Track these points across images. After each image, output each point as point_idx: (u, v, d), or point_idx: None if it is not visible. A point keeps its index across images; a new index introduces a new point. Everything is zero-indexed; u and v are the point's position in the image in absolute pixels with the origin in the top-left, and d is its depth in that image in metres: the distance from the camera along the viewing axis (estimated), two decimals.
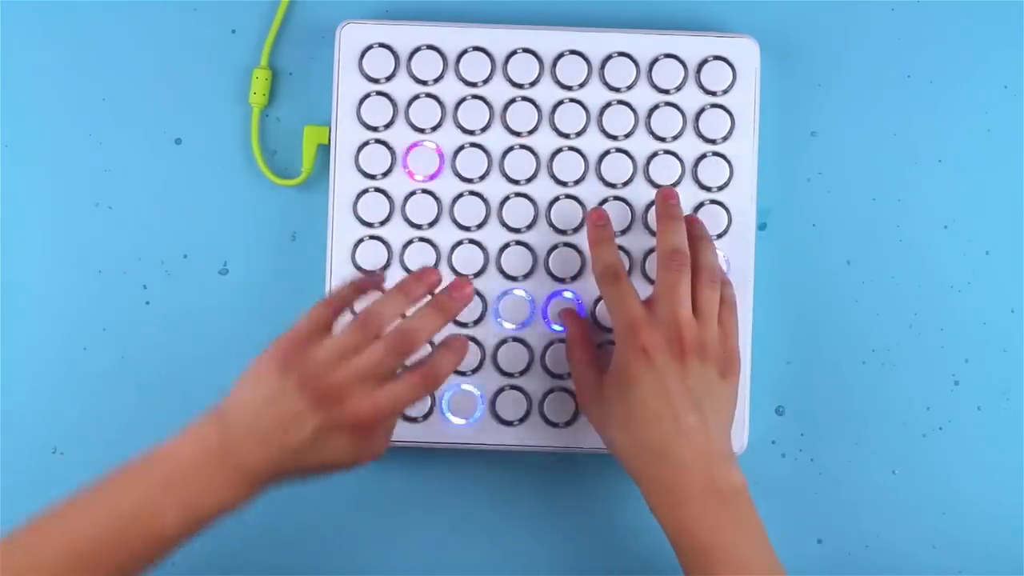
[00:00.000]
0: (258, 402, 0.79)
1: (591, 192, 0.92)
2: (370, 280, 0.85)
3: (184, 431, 0.79)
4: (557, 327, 0.91)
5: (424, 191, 0.92)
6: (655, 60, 0.92)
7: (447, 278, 0.90)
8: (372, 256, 0.91)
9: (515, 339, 0.91)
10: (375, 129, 0.92)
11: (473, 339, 0.91)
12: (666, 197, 0.87)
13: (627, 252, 0.91)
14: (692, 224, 0.88)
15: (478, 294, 0.91)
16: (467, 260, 0.91)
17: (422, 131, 0.92)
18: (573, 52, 0.92)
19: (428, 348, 0.84)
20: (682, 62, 0.92)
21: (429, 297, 0.82)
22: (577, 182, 0.92)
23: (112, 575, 0.77)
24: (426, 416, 0.91)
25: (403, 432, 0.90)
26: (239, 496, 0.79)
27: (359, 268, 0.91)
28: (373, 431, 0.80)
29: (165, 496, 0.78)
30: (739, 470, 0.82)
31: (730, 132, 0.92)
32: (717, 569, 0.80)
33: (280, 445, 0.78)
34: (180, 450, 0.79)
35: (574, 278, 0.91)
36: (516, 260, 0.91)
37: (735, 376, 0.85)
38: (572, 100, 0.92)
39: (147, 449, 0.79)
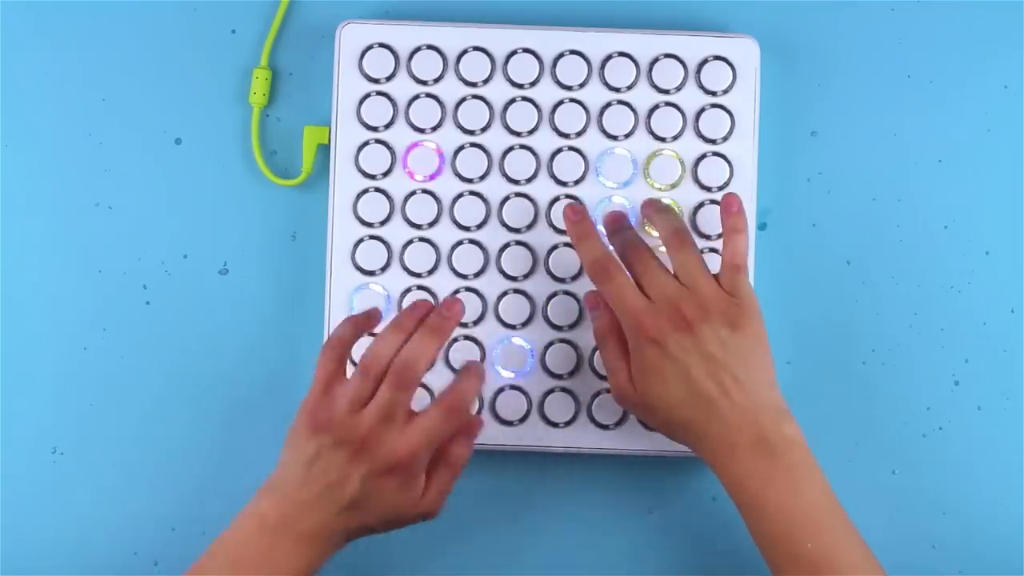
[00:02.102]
0: (301, 469, 0.80)
1: (591, 192, 0.92)
2: (366, 316, 0.85)
3: (238, 517, 0.81)
4: (556, 325, 0.91)
5: (424, 191, 0.92)
6: (655, 60, 0.92)
7: (447, 280, 0.90)
8: (372, 256, 0.91)
9: (515, 339, 0.91)
10: (375, 129, 0.92)
11: (473, 339, 0.91)
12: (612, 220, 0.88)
13: None
14: (644, 208, 0.89)
15: (478, 294, 0.91)
16: (467, 260, 0.91)
17: (422, 131, 0.92)
18: (573, 52, 0.92)
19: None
20: (682, 62, 0.92)
21: None
22: (577, 182, 0.92)
23: None
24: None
25: None
26: (312, 560, 0.81)
27: (359, 268, 0.91)
28: (413, 470, 0.81)
29: None
30: (793, 422, 0.81)
31: (730, 132, 0.92)
32: (775, 521, 0.79)
33: (333, 505, 0.80)
34: (238, 533, 0.81)
35: (574, 278, 0.91)
36: (516, 260, 0.91)
37: (748, 324, 0.83)
38: (572, 100, 0.92)
39: (209, 547, 0.81)
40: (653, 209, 0.88)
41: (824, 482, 0.81)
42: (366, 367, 0.81)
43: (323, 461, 0.80)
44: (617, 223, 0.87)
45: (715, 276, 0.84)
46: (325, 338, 0.90)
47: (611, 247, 0.86)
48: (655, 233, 0.89)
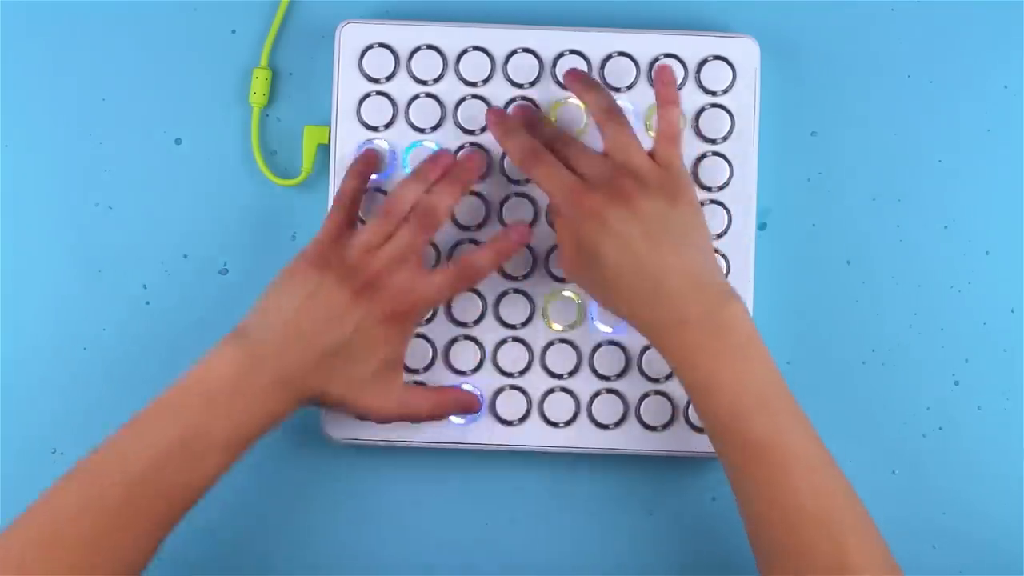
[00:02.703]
0: (296, 303, 0.80)
1: None
2: (363, 159, 0.88)
3: (206, 357, 0.80)
4: (557, 326, 0.91)
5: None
6: (655, 60, 0.92)
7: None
8: None
9: (515, 339, 0.91)
10: (375, 129, 0.92)
11: (473, 339, 0.91)
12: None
13: None
14: (570, 80, 0.88)
15: (478, 294, 0.91)
16: None
17: (422, 131, 0.92)
18: (573, 52, 0.92)
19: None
20: (682, 62, 0.92)
21: None
22: None
23: (161, 512, 0.78)
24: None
25: (403, 433, 0.90)
26: (280, 407, 0.80)
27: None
28: (406, 323, 0.82)
29: (209, 418, 0.78)
30: (739, 301, 0.80)
31: (730, 132, 0.92)
32: (723, 399, 0.78)
33: (317, 346, 0.80)
34: (212, 372, 0.79)
35: None
36: (516, 260, 0.91)
37: (684, 197, 0.82)
38: (572, 100, 0.92)
39: (178, 379, 0.80)
40: (581, 85, 0.87)
41: (772, 364, 0.80)
42: (387, 210, 0.83)
43: (322, 297, 0.80)
44: (533, 121, 0.88)
45: (648, 152, 0.83)
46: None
47: None
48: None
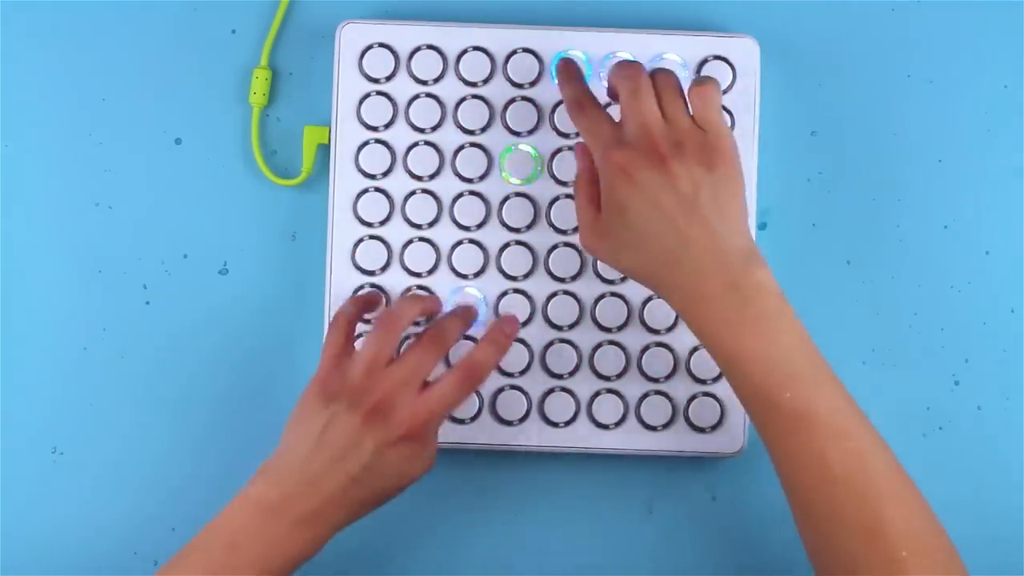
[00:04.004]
0: (312, 439, 0.80)
1: None
2: (367, 295, 0.87)
3: (234, 499, 0.80)
4: (558, 324, 0.91)
5: (424, 191, 0.92)
6: (655, 60, 0.92)
7: (447, 279, 0.91)
8: (372, 256, 0.91)
9: (515, 339, 0.91)
10: (375, 129, 0.92)
11: (473, 339, 0.91)
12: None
13: None
14: (612, 79, 0.85)
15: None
16: (467, 260, 0.91)
17: (422, 131, 0.92)
18: (573, 52, 0.92)
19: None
20: (682, 62, 0.92)
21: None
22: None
23: None
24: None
25: None
26: (309, 545, 0.80)
27: (359, 268, 0.91)
28: (426, 438, 0.81)
29: (233, 563, 0.78)
30: (765, 267, 0.79)
31: None
32: (751, 371, 0.77)
33: (341, 475, 0.79)
34: (236, 516, 0.80)
35: (574, 278, 0.91)
36: (516, 260, 0.91)
37: (725, 165, 0.80)
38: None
39: (209, 521, 0.80)
40: (620, 66, 0.83)
41: (802, 330, 0.78)
42: (385, 322, 0.81)
43: (335, 428, 0.79)
44: (628, 62, 0.84)
45: (690, 116, 0.81)
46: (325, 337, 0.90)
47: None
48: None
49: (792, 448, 0.77)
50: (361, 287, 0.91)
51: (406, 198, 0.92)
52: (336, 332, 0.84)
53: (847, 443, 0.77)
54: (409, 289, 0.91)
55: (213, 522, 0.80)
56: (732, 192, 0.80)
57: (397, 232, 0.92)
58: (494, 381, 0.91)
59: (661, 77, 0.82)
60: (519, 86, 0.92)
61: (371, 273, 0.91)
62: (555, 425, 0.91)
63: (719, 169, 0.79)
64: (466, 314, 0.86)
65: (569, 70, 0.86)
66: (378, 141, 0.92)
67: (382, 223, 0.92)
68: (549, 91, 0.92)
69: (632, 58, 0.91)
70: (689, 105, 0.82)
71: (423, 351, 0.81)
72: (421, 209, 0.92)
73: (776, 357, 0.77)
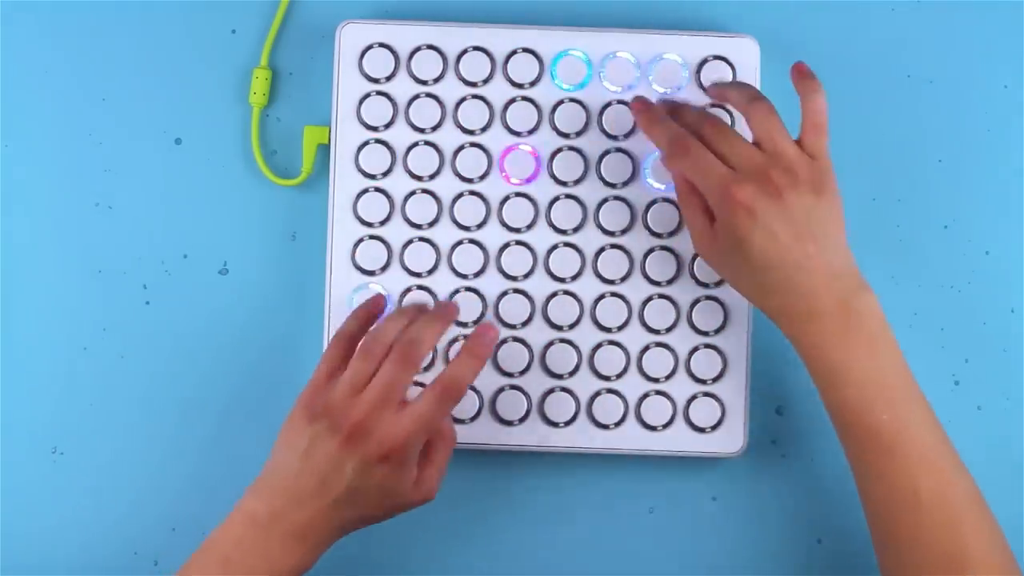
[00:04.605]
0: (295, 460, 0.80)
1: (591, 192, 0.92)
2: (369, 304, 0.86)
3: (230, 515, 0.81)
4: (557, 326, 0.91)
5: (424, 191, 0.92)
6: (655, 60, 0.92)
7: (447, 279, 0.91)
8: (372, 256, 0.91)
9: (515, 339, 0.91)
10: (375, 129, 0.92)
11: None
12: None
13: (628, 252, 0.91)
14: (711, 89, 0.89)
15: (478, 294, 0.91)
16: (467, 260, 0.91)
17: (422, 131, 0.92)
18: (573, 52, 0.92)
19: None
20: (682, 62, 0.92)
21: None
22: (577, 181, 0.92)
23: None
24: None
25: None
26: (303, 558, 0.80)
27: (359, 268, 0.91)
28: (406, 457, 0.80)
29: None
30: (871, 292, 0.81)
31: None
32: (851, 391, 0.80)
33: (326, 497, 0.79)
34: (230, 532, 0.80)
35: (574, 278, 0.91)
36: (516, 260, 0.91)
37: (829, 189, 0.83)
38: (572, 100, 0.92)
39: (206, 538, 0.81)
40: (724, 86, 0.88)
41: (901, 357, 0.81)
42: (366, 348, 0.81)
43: (318, 452, 0.79)
44: (676, 108, 0.87)
45: (796, 141, 0.83)
46: (325, 337, 0.90)
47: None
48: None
49: (883, 470, 0.79)
50: (361, 287, 0.91)
51: (406, 198, 0.92)
52: (334, 349, 0.84)
53: (937, 470, 0.79)
54: (409, 289, 0.91)
55: (210, 537, 0.81)
56: (836, 216, 0.83)
57: (397, 232, 0.92)
58: (494, 381, 0.91)
59: (760, 108, 0.84)
60: (519, 86, 0.92)
61: (371, 273, 0.91)
62: (555, 425, 0.91)
63: (826, 196, 0.82)
64: (442, 312, 0.83)
65: (651, 111, 0.87)
66: (378, 141, 0.92)
67: (382, 223, 0.92)
68: (549, 91, 0.92)
69: (633, 59, 0.91)
70: (803, 120, 0.84)
71: (395, 368, 0.80)
72: (421, 209, 0.92)
73: (877, 378, 0.80)
